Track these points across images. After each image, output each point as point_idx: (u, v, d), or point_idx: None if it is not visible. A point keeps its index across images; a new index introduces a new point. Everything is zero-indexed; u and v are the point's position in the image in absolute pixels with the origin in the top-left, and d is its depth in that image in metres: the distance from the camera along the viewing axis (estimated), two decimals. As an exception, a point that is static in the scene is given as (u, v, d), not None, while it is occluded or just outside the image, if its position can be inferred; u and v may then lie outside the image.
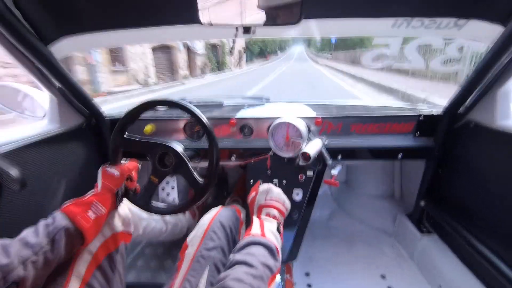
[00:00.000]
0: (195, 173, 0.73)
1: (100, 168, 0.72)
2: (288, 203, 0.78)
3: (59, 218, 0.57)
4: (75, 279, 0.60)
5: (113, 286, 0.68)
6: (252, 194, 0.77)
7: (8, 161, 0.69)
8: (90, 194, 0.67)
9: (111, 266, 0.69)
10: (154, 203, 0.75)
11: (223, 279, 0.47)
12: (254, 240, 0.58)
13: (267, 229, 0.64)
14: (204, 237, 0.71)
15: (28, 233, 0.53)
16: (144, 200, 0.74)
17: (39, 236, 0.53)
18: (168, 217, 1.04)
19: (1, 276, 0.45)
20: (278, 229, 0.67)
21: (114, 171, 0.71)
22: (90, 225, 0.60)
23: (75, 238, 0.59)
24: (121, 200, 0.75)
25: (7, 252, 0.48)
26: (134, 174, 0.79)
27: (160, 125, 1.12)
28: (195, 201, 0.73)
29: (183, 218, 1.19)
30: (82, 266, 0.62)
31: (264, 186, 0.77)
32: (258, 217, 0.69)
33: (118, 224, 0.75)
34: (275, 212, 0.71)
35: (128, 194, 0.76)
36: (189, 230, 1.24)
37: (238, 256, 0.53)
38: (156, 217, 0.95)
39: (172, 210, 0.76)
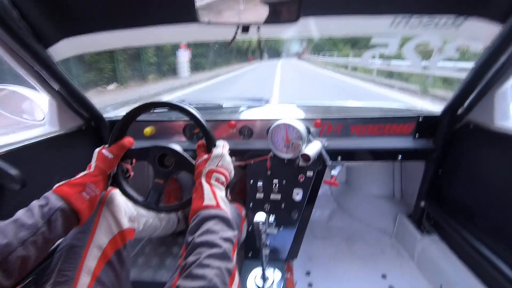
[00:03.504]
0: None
1: (97, 149, 0.71)
2: (233, 174, 0.76)
3: (53, 199, 0.56)
4: (86, 274, 0.60)
5: (121, 281, 0.68)
6: (204, 157, 0.71)
7: (8, 161, 0.69)
8: (82, 174, 0.66)
9: (120, 262, 0.70)
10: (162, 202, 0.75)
11: (188, 267, 0.46)
12: (210, 214, 0.57)
13: (219, 197, 0.62)
14: None
15: (22, 215, 0.52)
16: (153, 202, 0.74)
17: (35, 217, 0.52)
18: (162, 214, 1.09)
19: (1, 258, 0.45)
20: (226, 195, 0.67)
21: (108, 153, 0.70)
22: (85, 205, 0.60)
23: (71, 218, 0.58)
24: (112, 182, 0.73)
25: (3, 233, 0.47)
26: (132, 164, 0.78)
27: (159, 127, 1.12)
28: None
29: (173, 215, 1.23)
30: (92, 261, 0.63)
31: (218, 151, 0.72)
32: (208, 182, 0.66)
33: (124, 221, 0.76)
34: (223, 178, 0.69)
35: (118, 176, 0.74)
36: (179, 225, 1.27)
37: (198, 239, 0.51)
38: (152, 214, 1.00)
39: (180, 205, 0.75)
